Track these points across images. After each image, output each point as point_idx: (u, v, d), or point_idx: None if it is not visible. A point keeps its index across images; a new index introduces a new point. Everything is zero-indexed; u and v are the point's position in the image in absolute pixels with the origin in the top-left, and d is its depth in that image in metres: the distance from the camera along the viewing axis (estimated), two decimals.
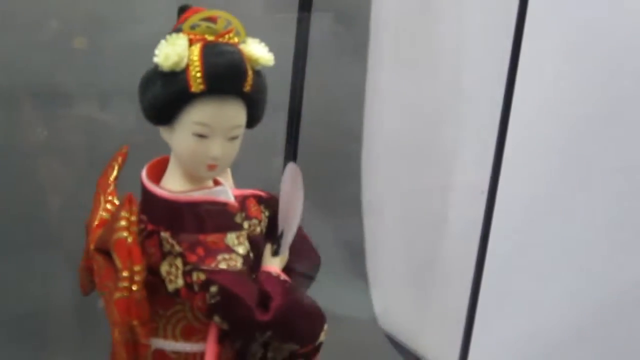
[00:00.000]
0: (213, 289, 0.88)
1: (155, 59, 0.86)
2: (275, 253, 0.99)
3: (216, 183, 0.98)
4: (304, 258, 1.06)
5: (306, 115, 1.65)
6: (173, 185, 0.93)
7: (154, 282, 0.91)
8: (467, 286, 1.56)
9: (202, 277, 0.88)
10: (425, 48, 1.65)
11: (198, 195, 0.92)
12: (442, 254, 1.72)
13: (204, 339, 0.93)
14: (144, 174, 0.94)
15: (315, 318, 0.98)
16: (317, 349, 0.97)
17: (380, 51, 1.76)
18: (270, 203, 1.05)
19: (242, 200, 1.03)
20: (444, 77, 1.63)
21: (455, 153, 1.65)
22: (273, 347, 0.96)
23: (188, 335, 0.94)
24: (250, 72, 0.88)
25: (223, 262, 0.90)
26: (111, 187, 0.96)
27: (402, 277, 1.82)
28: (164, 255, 0.90)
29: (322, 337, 0.98)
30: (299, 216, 0.99)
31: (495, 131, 1.44)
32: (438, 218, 1.71)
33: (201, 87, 0.86)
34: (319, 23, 1.69)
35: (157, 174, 0.95)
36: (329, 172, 1.80)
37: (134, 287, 0.83)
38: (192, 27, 0.89)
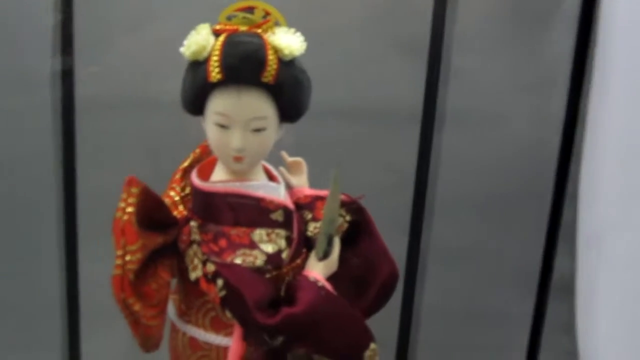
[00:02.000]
0: (219, 282, 0.86)
1: (180, 49, 0.88)
2: (320, 257, 0.94)
3: (272, 178, 0.96)
4: (372, 269, 0.99)
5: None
6: (215, 177, 0.94)
7: (185, 269, 0.92)
8: None
9: (212, 268, 0.87)
10: None
11: (229, 187, 0.91)
12: None
13: (232, 333, 0.92)
14: (198, 165, 0.97)
15: (353, 334, 0.91)
16: None
17: (607, 72, 1.55)
18: (352, 207, 0.99)
19: (312, 201, 1.00)
20: None
21: None
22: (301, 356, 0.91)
23: (216, 327, 0.93)
24: (272, 62, 0.85)
25: (240, 257, 0.88)
26: (178, 175, 1.00)
27: (619, 329, 1.55)
28: (191, 244, 0.90)
29: (369, 356, 0.90)
30: (328, 221, 0.93)
31: None
32: None
33: (218, 76, 0.85)
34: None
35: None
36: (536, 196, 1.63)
37: (129, 267, 0.84)
38: (229, 18, 0.88)
